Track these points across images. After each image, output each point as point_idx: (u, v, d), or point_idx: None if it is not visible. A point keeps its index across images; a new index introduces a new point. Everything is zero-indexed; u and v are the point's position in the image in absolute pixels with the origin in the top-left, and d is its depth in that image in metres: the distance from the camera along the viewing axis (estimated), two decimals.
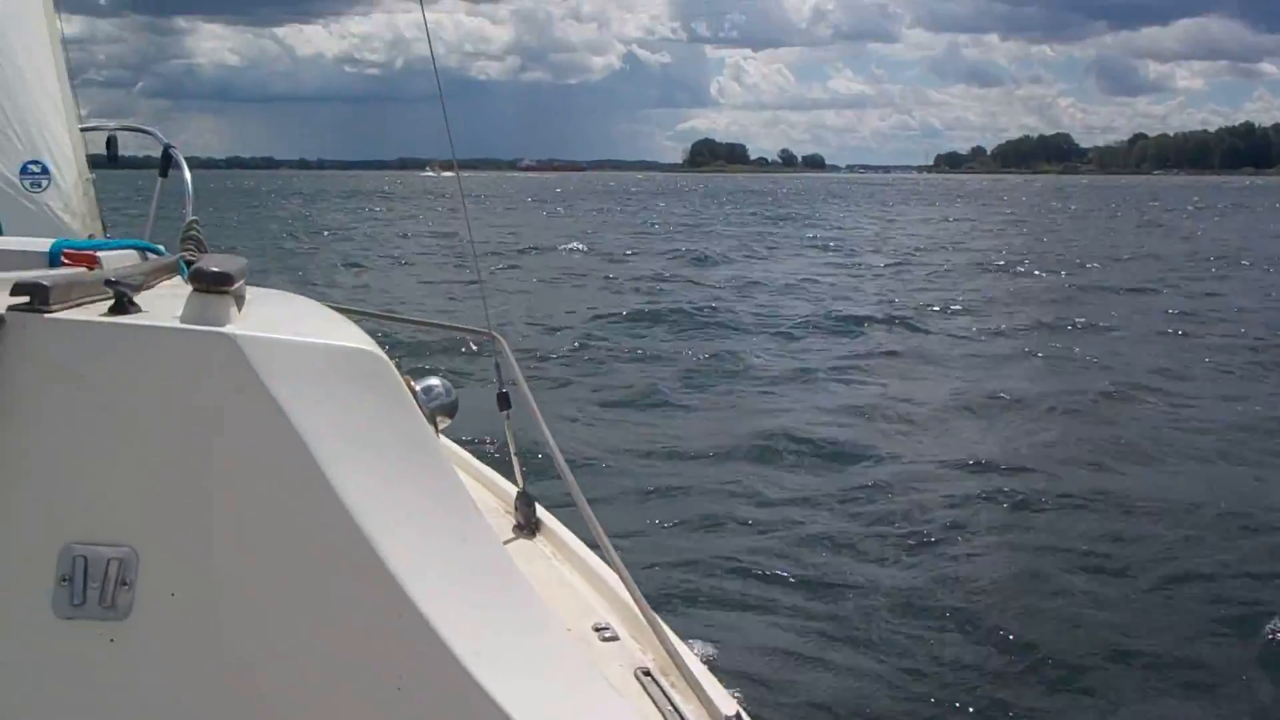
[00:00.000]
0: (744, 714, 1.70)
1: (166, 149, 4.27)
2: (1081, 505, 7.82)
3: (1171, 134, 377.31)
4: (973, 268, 27.46)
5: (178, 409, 1.49)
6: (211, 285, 1.53)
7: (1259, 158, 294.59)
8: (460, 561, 1.60)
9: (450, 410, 2.78)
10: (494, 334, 3.14)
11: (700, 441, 9.56)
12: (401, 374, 1.79)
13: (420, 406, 2.01)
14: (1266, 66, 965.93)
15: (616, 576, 2.18)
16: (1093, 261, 28.80)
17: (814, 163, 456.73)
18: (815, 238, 39.82)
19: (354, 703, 1.50)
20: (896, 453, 9.34)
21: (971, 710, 4.77)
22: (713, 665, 2.24)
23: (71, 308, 1.56)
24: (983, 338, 16.09)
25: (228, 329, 1.51)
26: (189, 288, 1.56)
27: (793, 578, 6.37)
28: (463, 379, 10.36)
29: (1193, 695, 5.01)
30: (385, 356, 1.68)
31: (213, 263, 1.60)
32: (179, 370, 1.50)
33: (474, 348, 11.21)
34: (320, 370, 1.57)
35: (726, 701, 1.79)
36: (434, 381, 2.79)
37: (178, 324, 1.51)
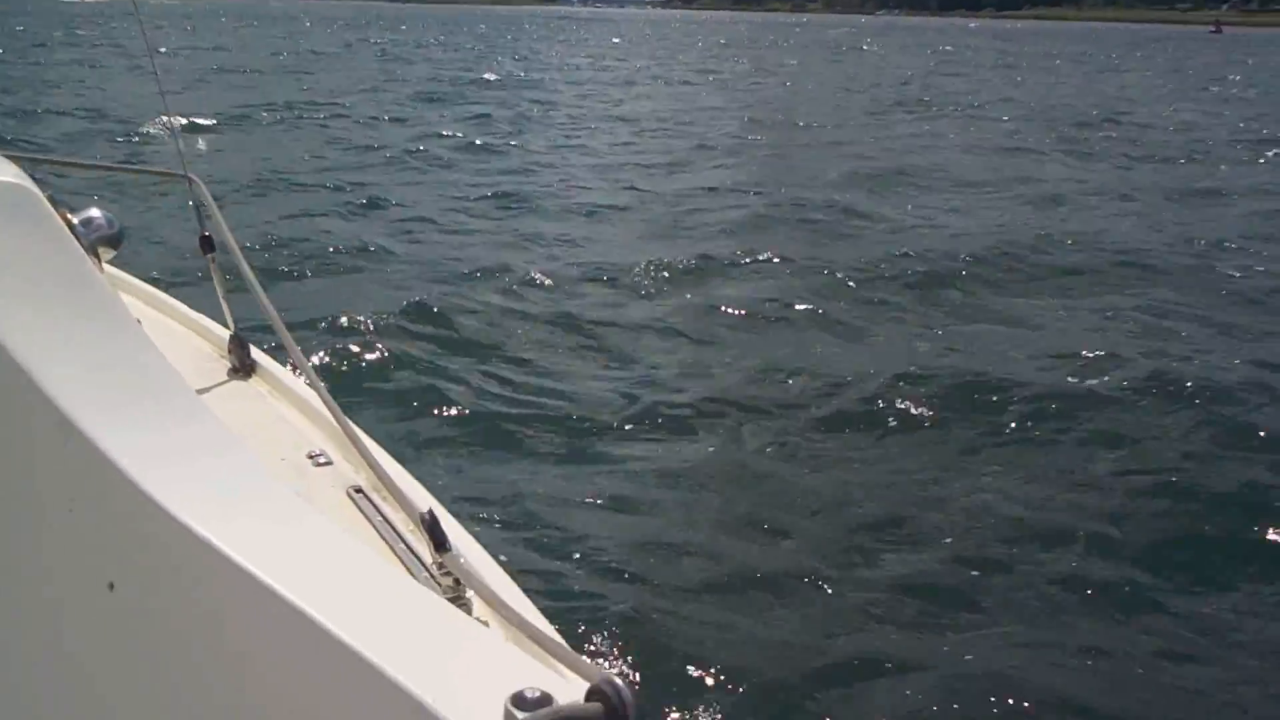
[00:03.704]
0: (435, 511, 1.85)
1: None
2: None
3: None
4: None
5: None
6: None
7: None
8: (128, 386, 1.60)
9: (113, 242, 2.66)
10: (191, 176, 3.00)
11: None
12: (57, 208, 1.77)
13: (79, 239, 1.96)
14: None
15: (327, 409, 2.26)
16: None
17: None
18: None
19: (22, 524, 1.55)
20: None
21: None
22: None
23: None
24: None
25: None
26: None
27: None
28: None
29: None
30: (35, 189, 1.66)
31: None
32: None
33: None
34: None
35: (422, 502, 1.93)
36: (94, 213, 2.64)
37: None
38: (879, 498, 5.51)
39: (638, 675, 3.99)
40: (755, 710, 3.84)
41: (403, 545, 1.87)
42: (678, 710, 3.80)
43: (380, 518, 1.97)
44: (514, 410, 6.49)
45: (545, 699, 1.07)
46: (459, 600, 1.64)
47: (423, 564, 1.79)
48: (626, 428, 6.31)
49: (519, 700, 1.06)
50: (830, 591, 4.60)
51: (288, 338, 2.26)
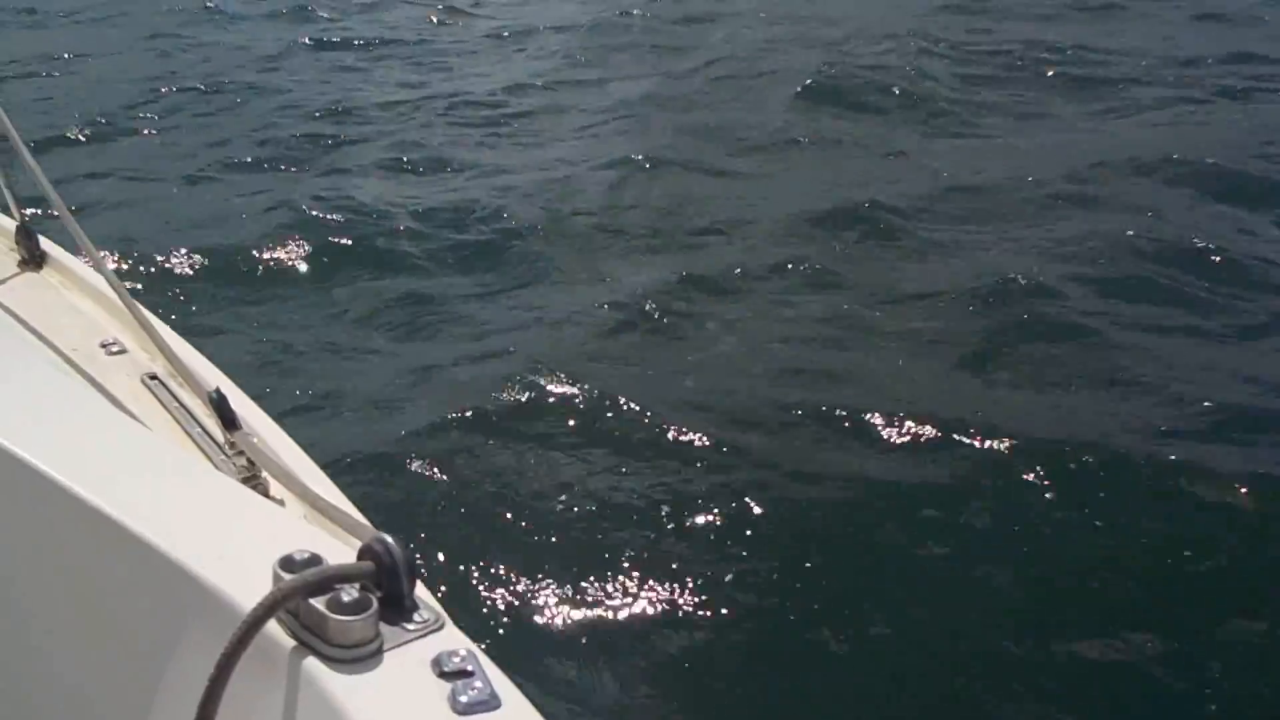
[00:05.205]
0: (224, 390, 1.83)
1: None
2: None
3: None
4: None
5: None
6: None
7: None
8: None
9: None
10: None
11: None
12: None
13: None
14: None
15: (119, 297, 2.23)
16: None
17: None
18: None
19: None
20: None
21: None
22: None
23: None
24: None
25: None
26: None
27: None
28: None
29: None
30: None
31: None
32: None
33: None
34: None
35: (211, 381, 1.93)
36: None
37: None
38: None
39: (418, 519, 4.03)
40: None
41: (199, 429, 1.89)
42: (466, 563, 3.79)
43: (176, 403, 1.98)
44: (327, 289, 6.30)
45: (314, 560, 1.13)
46: (253, 479, 1.68)
47: (219, 447, 1.82)
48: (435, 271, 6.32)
49: (287, 563, 1.12)
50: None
51: (75, 226, 2.23)
